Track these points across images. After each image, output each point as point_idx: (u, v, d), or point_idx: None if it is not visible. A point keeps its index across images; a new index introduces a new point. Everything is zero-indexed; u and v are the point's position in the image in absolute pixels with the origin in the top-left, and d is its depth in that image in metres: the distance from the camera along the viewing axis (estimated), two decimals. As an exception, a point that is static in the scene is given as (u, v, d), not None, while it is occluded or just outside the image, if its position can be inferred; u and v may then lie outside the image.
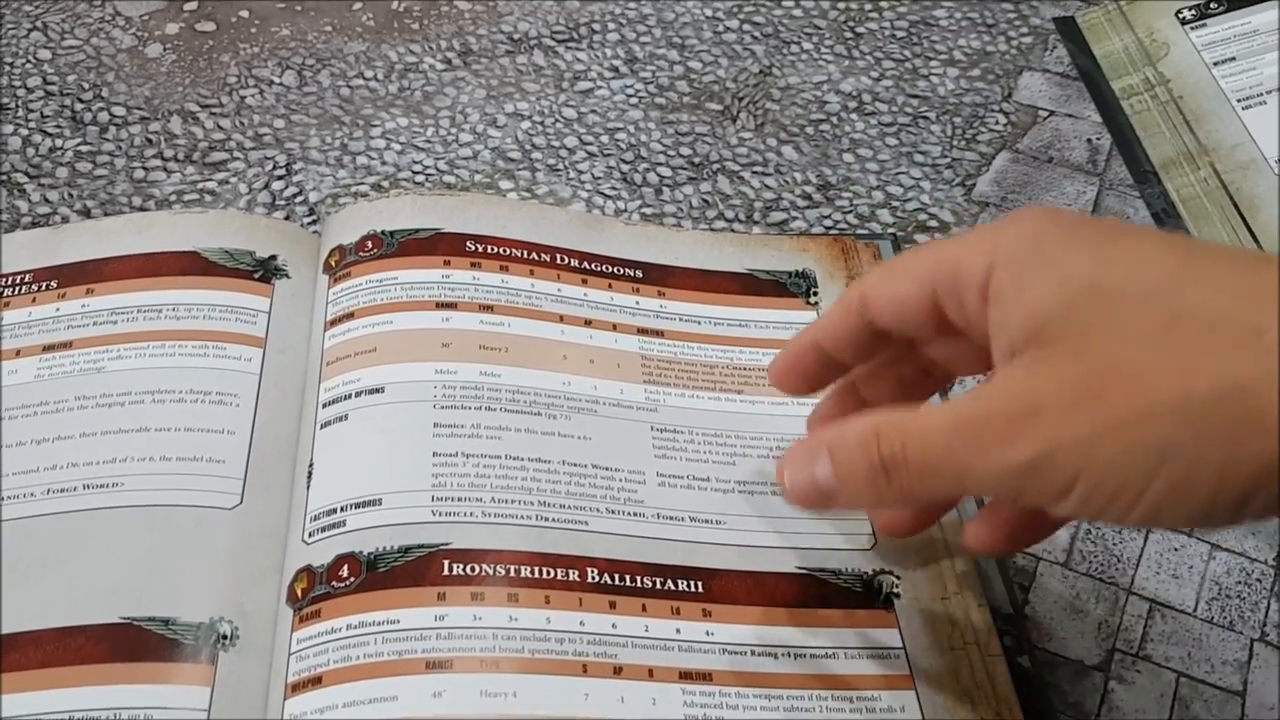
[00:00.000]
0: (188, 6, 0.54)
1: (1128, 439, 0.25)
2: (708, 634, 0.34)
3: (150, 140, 0.49)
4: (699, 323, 0.42)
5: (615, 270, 0.43)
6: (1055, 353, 0.26)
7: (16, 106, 0.49)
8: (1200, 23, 0.54)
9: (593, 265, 0.43)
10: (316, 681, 0.31)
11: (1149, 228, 0.27)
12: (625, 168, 0.49)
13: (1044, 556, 0.39)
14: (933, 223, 0.48)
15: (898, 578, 0.36)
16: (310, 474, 0.36)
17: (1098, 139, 0.52)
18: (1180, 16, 0.54)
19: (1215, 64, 0.53)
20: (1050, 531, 0.35)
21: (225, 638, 0.33)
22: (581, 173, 0.49)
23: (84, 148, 0.48)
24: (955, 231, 0.47)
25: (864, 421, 0.29)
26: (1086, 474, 0.25)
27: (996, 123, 0.52)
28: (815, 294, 0.43)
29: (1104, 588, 0.38)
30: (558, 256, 0.43)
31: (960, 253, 0.29)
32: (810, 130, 0.51)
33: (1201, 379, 0.24)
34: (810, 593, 0.35)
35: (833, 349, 0.33)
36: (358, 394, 0.37)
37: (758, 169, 0.50)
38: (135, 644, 0.32)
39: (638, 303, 0.42)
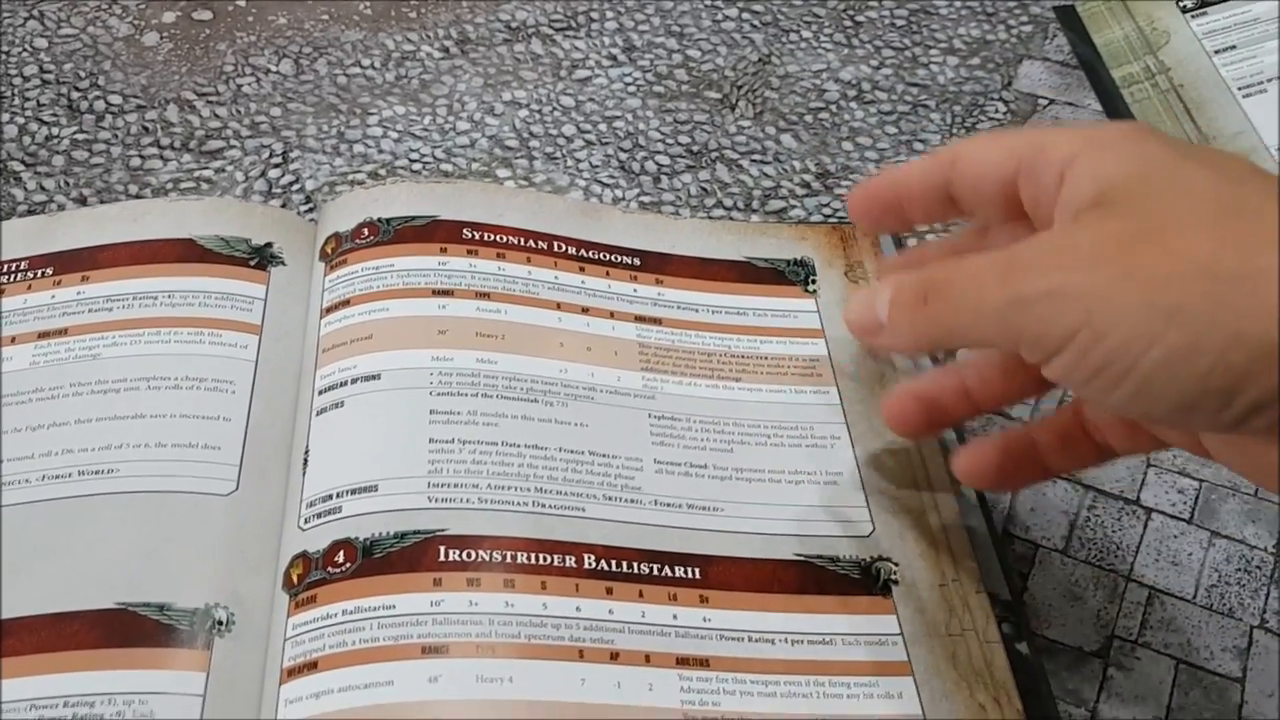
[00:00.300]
0: (184, -5, 0.54)
1: (1143, 295, 0.25)
2: (705, 620, 0.34)
3: (146, 128, 0.48)
4: (696, 310, 0.42)
5: (613, 258, 0.43)
6: (1111, 212, 0.26)
7: (13, 95, 0.49)
8: (1201, 11, 0.54)
9: (590, 253, 0.43)
10: (312, 667, 0.31)
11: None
12: (623, 156, 0.49)
13: (1042, 543, 0.38)
14: (932, 211, 0.48)
15: (896, 564, 0.36)
16: (306, 460, 0.36)
17: (1097, 127, 0.51)
18: (1181, 4, 0.54)
19: (1216, 52, 0.52)
20: (1038, 477, 0.35)
21: (221, 623, 0.33)
22: (579, 161, 0.49)
23: (80, 136, 0.48)
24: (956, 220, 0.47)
25: (922, 271, 0.30)
26: (1093, 322, 0.25)
27: (996, 111, 0.52)
28: (813, 282, 0.43)
29: (1103, 574, 0.38)
30: (555, 244, 0.43)
31: (1052, 137, 0.29)
32: (809, 118, 0.51)
33: (1236, 254, 0.24)
34: (808, 579, 0.35)
35: (906, 197, 0.34)
36: (354, 381, 0.37)
37: (756, 157, 0.49)
38: (130, 630, 0.32)
39: (635, 290, 0.42)
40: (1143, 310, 0.25)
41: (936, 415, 0.35)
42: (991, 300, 0.27)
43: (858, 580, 0.35)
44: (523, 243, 0.42)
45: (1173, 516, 0.39)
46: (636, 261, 0.43)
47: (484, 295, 0.40)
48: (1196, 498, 0.40)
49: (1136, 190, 0.27)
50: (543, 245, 0.42)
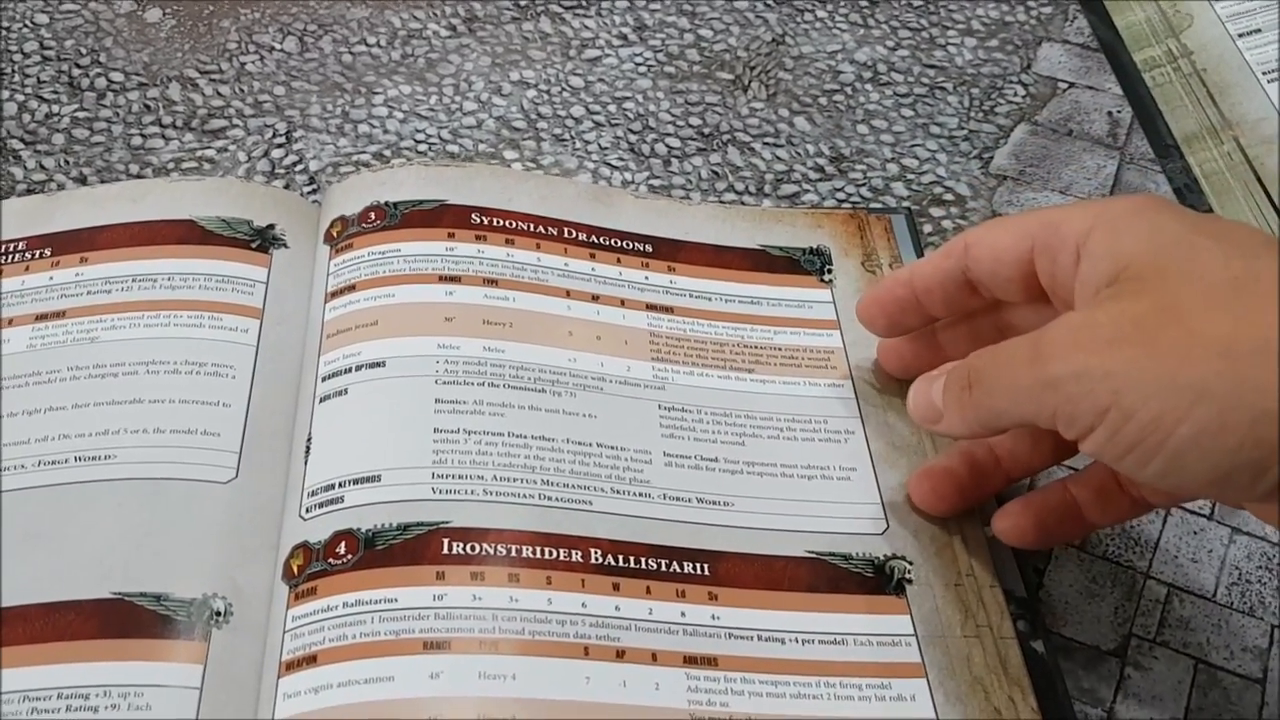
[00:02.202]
0: (188, -30, 0.53)
1: (1168, 372, 0.26)
2: (713, 618, 0.33)
3: (148, 107, 0.47)
4: (709, 299, 0.41)
5: (624, 245, 0.42)
6: (1129, 290, 0.27)
7: (13, 72, 0.48)
8: (1226, -6, 0.53)
9: (601, 239, 0.42)
10: (311, 660, 0.31)
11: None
12: (633, 138, 0.48)
13: (1060, 540, 0.38)
14: (949, 196, 0.47)
15: (910, 563, 0.35)
16: (308, 448, 0.35)
17: (1118, 112, 0.50)
18: (1205, -13, 0.53)
19: (1240, 36, 0.51)
20: (1079, 532, 0.35)
21: (218, 614, 0.32)
22: (588, 143, 0.48)
23: (81, 114, 0.47)
24: (971, 206, 0.46)
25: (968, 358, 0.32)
26: (1120, 402, 0.26)
27: (1015, 94, 0.51)
28: (829, 271, 0.42)
29: (1121, 571, 0.37)
30: (565, 230, 0.42)
31: (1065, 215, 0.30)
32: (823, 100, 0.50)
33: (1253, 329, 0.25)
34: (820, 577, 0.34)
35: (923, 291, 0.35)
36: (358, 368, 0.36)
37: (769, 140, 0.48)
38: (126, 620, 0.31)
39: (647, 278, 0.41)
40: (1167, 389, 0.26)
41: (968, 492, 0.36)
42: (1025, 382, 0.29)
43: (871, 579, 0.35)
44: (532, 228, 0.41)
45: (1192, 512, 0.38)
46: (648, 248, 0.42)
47: (492, 282, 0.39)
48: (1217, 495, 0.39)
49: (1151, 268, 0.27)
50: (552, 231, 0.41)
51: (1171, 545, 0.38)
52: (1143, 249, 0.28)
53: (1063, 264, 0.30)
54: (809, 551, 0.35)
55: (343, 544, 0.33)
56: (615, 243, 0.42)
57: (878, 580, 0.35)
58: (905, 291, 0.35)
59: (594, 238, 0.42)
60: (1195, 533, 0.38)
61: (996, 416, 0.31)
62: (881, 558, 0.35)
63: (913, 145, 0.49)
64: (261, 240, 0.40)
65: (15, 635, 0.31)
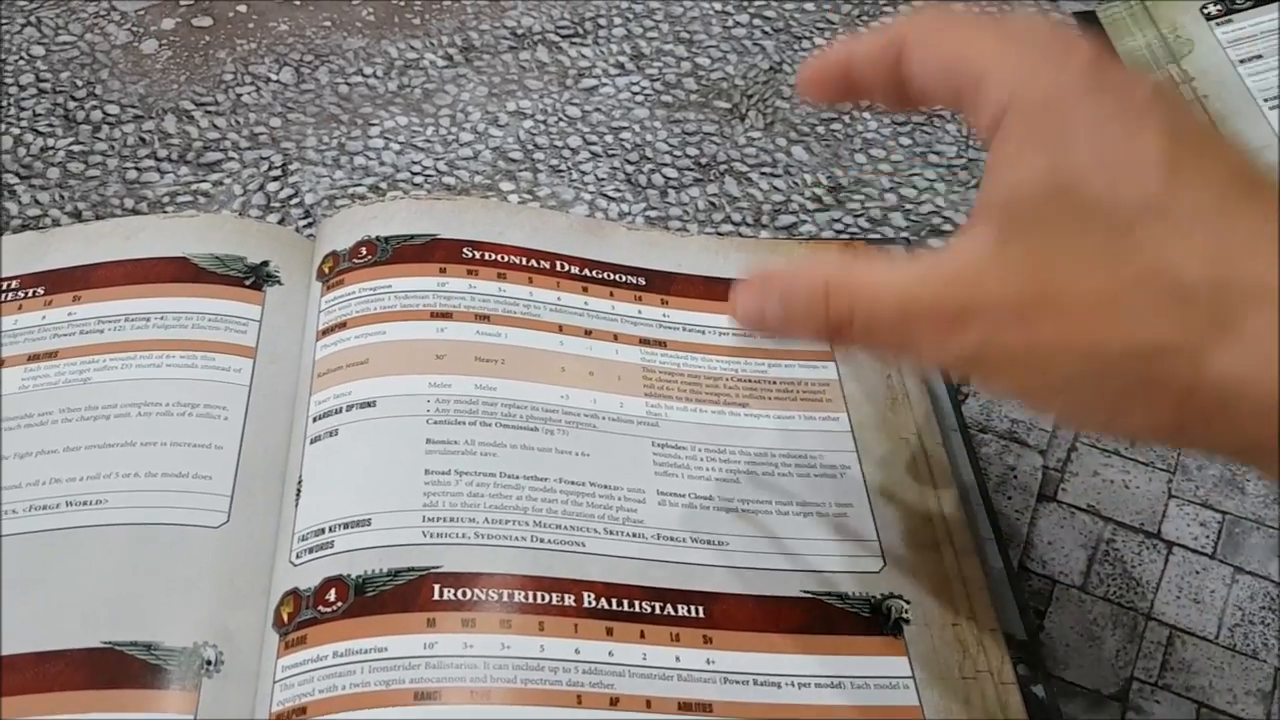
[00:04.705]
0: (184, 1, 0.53)
1: (1041, 362, 0.26)
2: (708, 662, 0.33)
3: (144, 140, 0.47)
4: (703, 332, 0.41)
5: (617, 278, 0.42)
6: (1014, 249, 0.26)
7: (8, 105, 0.48)
8: (1226, 19, 0.52)
9: (594, 273, 0.42)
10: (301, 712, 0.30)
11: (1171, 110, 0.26)
12: (630, 169, 0.48)
13: (1060, 579, 0.37)
14: (947, 226, 0.46)
15: (907, 602, 0.35)
16: (299, 491, 0.35)
17: (1119, 139, 0.50)
18: (1205, 12, 0.53)
19: (1241, 62, 0.51)
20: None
21: (209, 663, 0.32)
22: (585, 174, 0.47)
23: (76, 147, 0.47)
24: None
25: (814, 275, 0.29)
26: (1009, 376, 0.27)
27: (1014, 122, 0.50)
28: (824, 302, 0.42)
29: (1122, 613, 0.36)
30: (557, 263, 0.41)
31: (992, 67, 0.27)
32: (821, 129, 0.50)
33: (1122, 331, 0.24)
34: (815, 617, 0.34)
35: (860, 78, 0.31)
36: (348, 408, 0.36)
37: (766, 170, 0.48)
38: (116, 670, 0.31)
39: (640, 312, 0.41)
40: (1041, 375, 0.26)
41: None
42: (923, 352, 0.28)
43: (868, 619, 0.34)
44: (525, 262, 0.41)
45: (1195, 551, 0.38)
46: (641, 281, 0.42)
47: (484, 318, 0.39)
48: (1220, 531, 0.38)
49: (1041, 219, 0.26)
50: (545, 265, 0.41)
51: (1173, 586, 0.37)
52: (1034, 191, 0.26)
53: (982, 126, 0.28)
54: (805, 591, 0.35)
55: (333, 591, 0.32)
56: (608, 276, 0.41)
57: (874, 620, 0.34)
58: (844, 71, 0.31)
59: (587, 271, 0.41)
60: (1197, 572, 0.37)
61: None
62: (878, 596, 0.35)
63: (911, 174, 0.48)
64: (255, 277, 0.40)
65: (7, 685, 0.31)
